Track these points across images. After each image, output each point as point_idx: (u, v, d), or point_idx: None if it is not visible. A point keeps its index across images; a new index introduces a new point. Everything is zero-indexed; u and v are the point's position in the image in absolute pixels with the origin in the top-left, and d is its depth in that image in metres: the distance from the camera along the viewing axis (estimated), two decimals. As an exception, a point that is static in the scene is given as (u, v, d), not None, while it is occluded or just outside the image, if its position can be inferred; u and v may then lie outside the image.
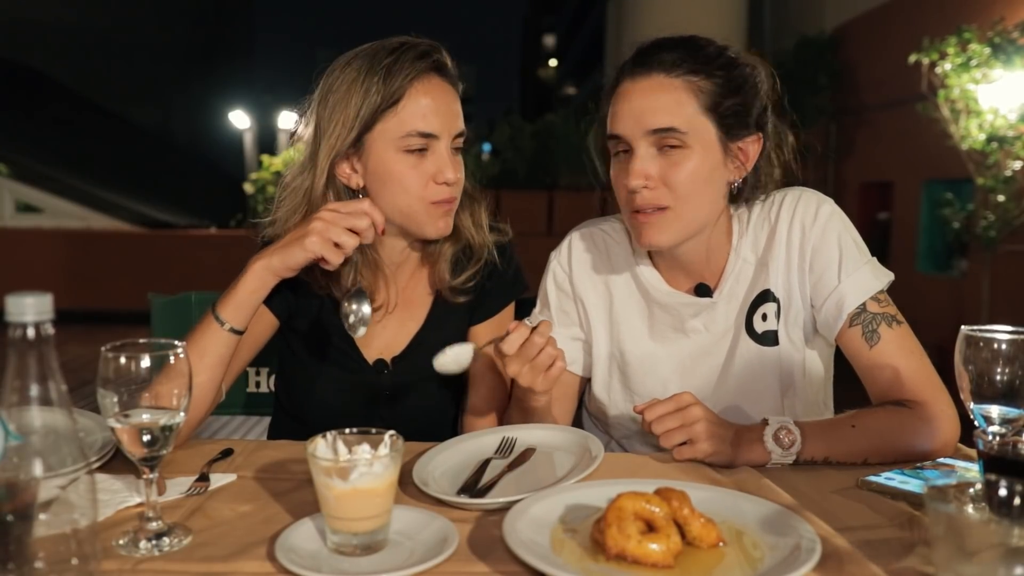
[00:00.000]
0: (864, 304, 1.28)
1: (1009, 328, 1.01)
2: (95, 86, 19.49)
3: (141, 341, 0.91)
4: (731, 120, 1.27)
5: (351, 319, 1.29)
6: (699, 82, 1.25)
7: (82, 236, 8.60)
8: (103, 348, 0.88)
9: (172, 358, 0.91)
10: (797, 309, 1.34)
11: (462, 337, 1.49)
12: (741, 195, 1.35)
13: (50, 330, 0.74)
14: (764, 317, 1.36)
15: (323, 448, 0.89)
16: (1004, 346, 1.00)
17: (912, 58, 5.20)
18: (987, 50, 4.79)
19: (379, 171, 1.31)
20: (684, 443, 1.16)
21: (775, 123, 1.33)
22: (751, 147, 1.31)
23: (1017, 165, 4.85)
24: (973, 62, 4.83)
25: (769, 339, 1.36)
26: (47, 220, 9.44)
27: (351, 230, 1.21)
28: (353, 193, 1.35)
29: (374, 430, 0.91)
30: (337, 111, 1.30)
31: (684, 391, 1.20)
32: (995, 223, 5.01)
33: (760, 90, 1.30)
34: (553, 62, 43.88)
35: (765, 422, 1.18)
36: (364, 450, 0.88)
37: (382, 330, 1.46)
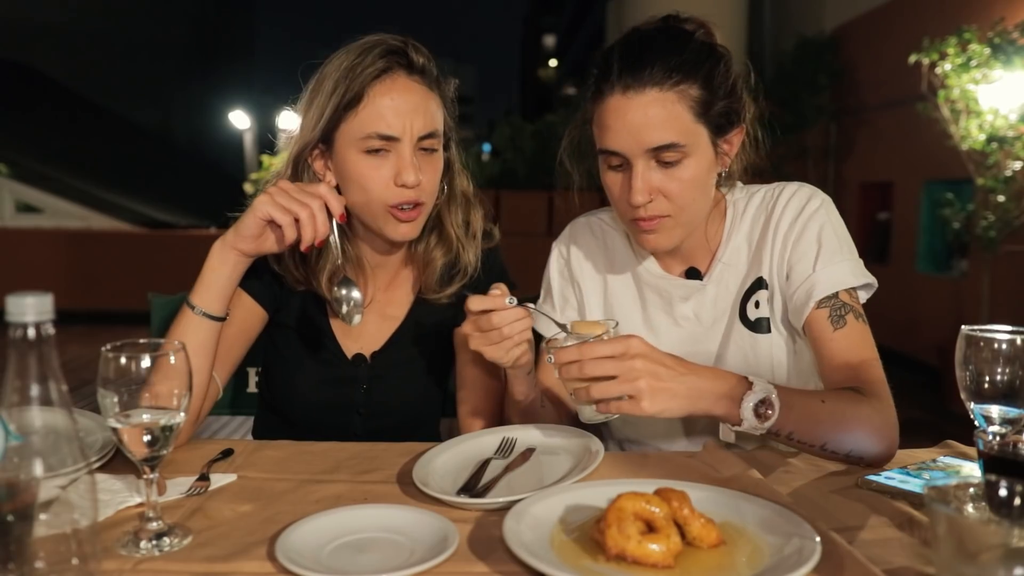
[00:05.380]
0: (836, 293, 1.27)
1: (1009, 328, 1.01)
2: (95, 86, 19.46)
3: (141, 341, 0.91)
4: (721, 120, 1.27)
5: (344, 308, 1.29)
6: (690, 89, 1.23)
7: (82, 236, 8.58)
8: (103, 348, 0.88)
9: (172, 358, 0.91)
10: (780, 296, 1.35)
11: (444, 337, 1.50)
12: (720, 179, 1.37)
13: (51, 330, 0.73)
14: (757, 304, 1.36)
15: None
16: (1004, 346, 1.00)
17: (912, 58, 5.19)
18: (987, 50, 4.78)
19: (344, 171, 1.33)
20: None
21: (749, 107, 1.33)
22: (735, 139, 1.32)
23: (1017, 165, 4.84)
24: (973, 62, 4.82)
25: (763, 327, 1.36)
26: (47, 220, 9.42)
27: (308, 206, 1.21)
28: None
29: None
30: (308, 107, 1.34)
31: (633, 336, 1.08)
32: (995, 223, 5.00)
33: (739, 82, 1.30)
34: (553, 62, 43.88)
35: (749, 385, 1.09)
36: None
37: (363, 326, 1.47)
